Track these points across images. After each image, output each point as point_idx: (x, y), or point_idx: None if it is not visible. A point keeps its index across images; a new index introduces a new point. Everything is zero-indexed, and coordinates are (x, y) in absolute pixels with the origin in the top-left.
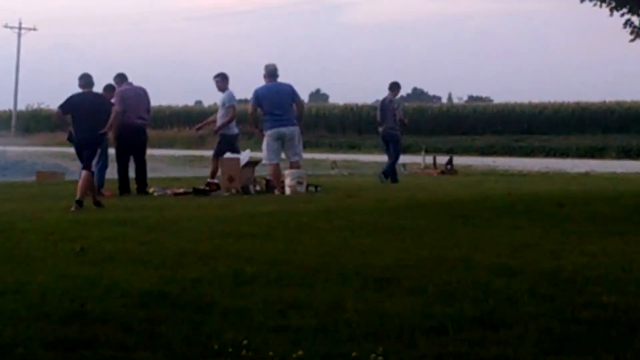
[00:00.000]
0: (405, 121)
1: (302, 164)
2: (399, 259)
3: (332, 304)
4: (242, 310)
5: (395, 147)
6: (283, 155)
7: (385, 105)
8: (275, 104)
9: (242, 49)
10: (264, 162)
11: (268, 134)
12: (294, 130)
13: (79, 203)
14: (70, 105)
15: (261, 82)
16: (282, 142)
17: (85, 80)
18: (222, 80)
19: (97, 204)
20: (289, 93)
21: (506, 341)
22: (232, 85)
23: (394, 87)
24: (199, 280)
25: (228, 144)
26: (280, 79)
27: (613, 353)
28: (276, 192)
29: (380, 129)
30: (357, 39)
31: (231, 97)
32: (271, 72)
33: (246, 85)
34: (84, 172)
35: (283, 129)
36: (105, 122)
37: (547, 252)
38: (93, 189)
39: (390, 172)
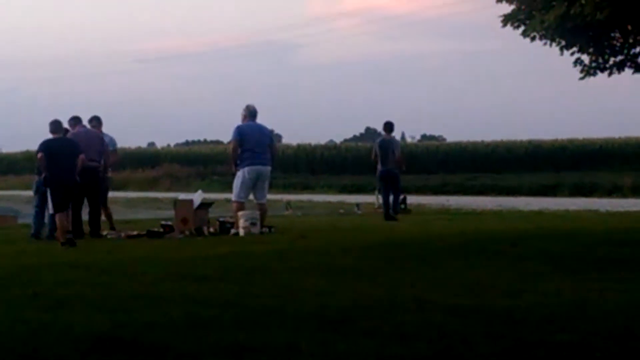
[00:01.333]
0: (403, 167)
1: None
2: (354, 300)
3: (287, 347)
4: (196, 354)
5: (397, 186)
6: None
7: (385, 145)
8: (258, 142)
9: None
10: (233, 199)
11: (246, 170)
12: (269, 171)
13: (70, 242)
14: (49, 149)
15: (212, 121)
16: (256, 181)
17: (56, 125)
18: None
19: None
20: (268, 134)
21: None
22: (182, 128)
23: (390, 127)
24: (153, 324)
25: None
26: (232, 122)
27: None
28: (233, 231)
29: (380, 168)
30: (310, 80)
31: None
32: (252, 112)
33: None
34: (60, 215)
35: (262, 168)
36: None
37: (501, 291)
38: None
39: (398, 208)
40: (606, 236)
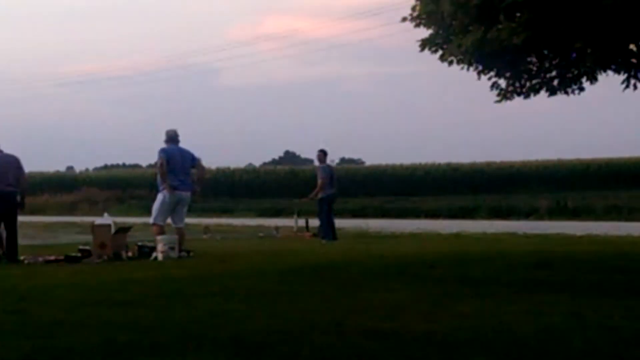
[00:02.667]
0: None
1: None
2: (273, 325)
3: None
4: None
5: (331, 208)
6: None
7: (331, 171)
8: (180, 167)
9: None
10: (152, 221)
11: (167, 194)
12: (189, 196)
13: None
14: None
15: (131, 145)
16: (175, 205)
17: None
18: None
19: None
20: (190, 159)
21: None
22: (100, 152)
23: (326, 154)
24: (71, 350)
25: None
26: (151, 145)
27: None
28: (154, 255)
29: (329, 193)
30: (229, 103)
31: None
32: (172, 137)
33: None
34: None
35: (183, 194)
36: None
37: (419, 314)
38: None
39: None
40: (524, 259)
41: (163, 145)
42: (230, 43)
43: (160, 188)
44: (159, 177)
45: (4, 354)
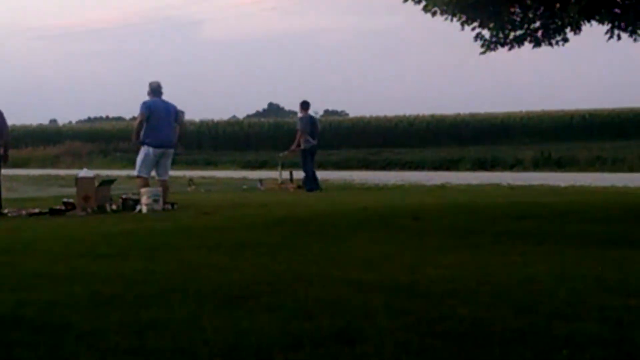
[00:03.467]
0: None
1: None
2: (257, 276)
3: (189, 324)
4: (99, 332)
5: (313, 159)
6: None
7: (314, 122)
8: (163, 120)
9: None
10: (136, 174)
11: (150, 147)
12: (172, 149)
13: None
14: None
15: (114, 98)
16: (159, 158)
17: None
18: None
19: None
20: (174, 113)
21: (364, 356)
22: (84, 104)
23: (309, 105)
24: (55, 303)
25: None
26: (134, 97)
27: None
28: (138, 207)
29: (311, 144)
30: (213, 56)
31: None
32: (155, 89)
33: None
34: None
35: (166, 146)
36: None
37: (403, 265)
38: None
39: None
40: (508, 210)
41: (146, 97)
42: None
43: (144, 140)
44: (136, 130)
45: None
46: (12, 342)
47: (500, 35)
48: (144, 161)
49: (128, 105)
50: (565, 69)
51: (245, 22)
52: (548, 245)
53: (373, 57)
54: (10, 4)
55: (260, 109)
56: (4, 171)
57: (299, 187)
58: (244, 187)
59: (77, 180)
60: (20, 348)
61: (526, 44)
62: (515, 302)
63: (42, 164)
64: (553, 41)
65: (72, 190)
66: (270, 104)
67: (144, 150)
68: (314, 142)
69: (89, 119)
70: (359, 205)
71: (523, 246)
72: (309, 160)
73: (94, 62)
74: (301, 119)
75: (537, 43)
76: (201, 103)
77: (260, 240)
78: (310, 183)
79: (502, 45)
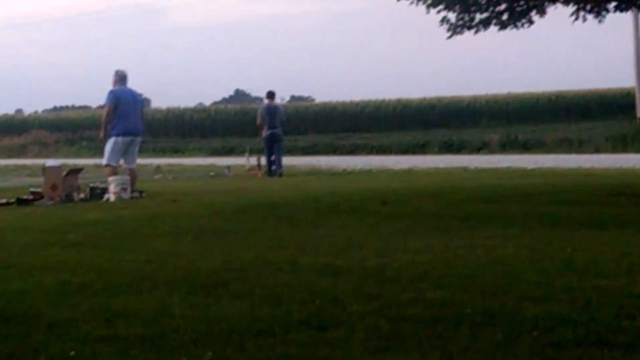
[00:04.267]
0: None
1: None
2: (226, 263)
3: (159, 312)
4: (69, 321)
5: (281, 145)
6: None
7: (272, 110)
8: (131, 108)
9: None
10: (104, 162)
11: (119, 136)
12: (140, 137)
13: None
14: None
15: (80, 87)
16: (127, 146)
17: None
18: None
19: None
20: (140, 101)
21: (334, 341)
22: (49, 93)
23: (273, 95)
24: (24, 293)
25: None
26: (99, 86)
27: (439, 349)
28: (106, 196)
29: (267, 132)
30: (178, 42)
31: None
32: (122, 77)
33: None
34: None
35: (134, 134)
36: None
37: (372, 250)
38: None
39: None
40: (476, 193)
41: (111, 87)
42: None
43: (110, 131)
44: (104, 122)
45: None
46: None
47: (466, 18)
48: (112, 150)
49: (94, 94)
50: (530, 51)
51: (210, 8)
52: (516, 228)
53: (339, 42)
54: None
55: (226, 95)
56: None
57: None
58: (212, 174)
59: (45, 170)
60: None
61: (492, 26)
62: (484, 285)
63: (8, 154)
64: (518, 23)
65: (40, 179)
66: (237, 91)
67: (112, 139)
68: (267, 132)
69: (55, 108)
70: (326, 190)
71: (491, 229)
72: (266, 149)
73: (59, 51)
74: (260, 109)
75: (502, 25)
76: (168, 90)
77: (228, 227)
78: (268, 170)
79: (469, 28)
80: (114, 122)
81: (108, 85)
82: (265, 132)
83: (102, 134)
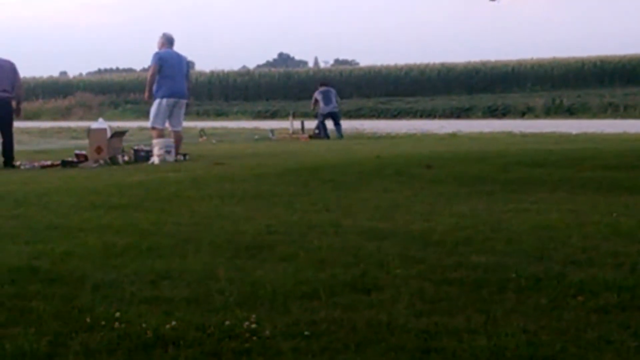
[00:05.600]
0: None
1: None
2: (270, 226)
3: (204, 274)
4: (113, 282)
5: (338, 120)
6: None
7: (326, 93)
8: (176, 70)
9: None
10: (150, 125)
11: (163, 98)
12: (185, 100)
13: None
14: None
15: (124, 49)
16: (172, 108)
17: None
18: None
19: None
20: (185, 64)
21: (379, 304)
22: (94, 56)
23: (326, 84)
24: (69, 254)
25: None
26: (143, 48)
27: (484, 313)
28: (152, 159)
29: (325, 108)
30: (222, 6)
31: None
32: (169, 40)
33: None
34: None
35: (179, 96)
36: None
37: (416, 214)
38: None
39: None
40: (520, 158)
41: (156, 49)
42: None
43: (155, 93)
44: (149, 82)
45: (3, 259)
46: (27, 294)
47: None
48: (157, 112)
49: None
50: (576, 15)
51: None
52: (561, 192)
53: (383, 5)
54: None
55: (270, 58)
56: (16, 124)
57: (310, 137)
58: (256, 137)
59: (90, 132)
60: (35, 300)
61: None
62: (529, 249)
63: (53, 117)
64: None
65: (84, 142)
66: (281, 54)
67: (157, 101)
68: (328, 108)
69: (99, 71)
70: (371, 154)
71: (536, 193)
72: (323, 119)
73: (103, 13)
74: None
75: None
76: (212, 54)
77: (272, 190)
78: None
79: None
80: (159, 84)
81: (152, 49)
82: (324, 108)
83: (147, 95)
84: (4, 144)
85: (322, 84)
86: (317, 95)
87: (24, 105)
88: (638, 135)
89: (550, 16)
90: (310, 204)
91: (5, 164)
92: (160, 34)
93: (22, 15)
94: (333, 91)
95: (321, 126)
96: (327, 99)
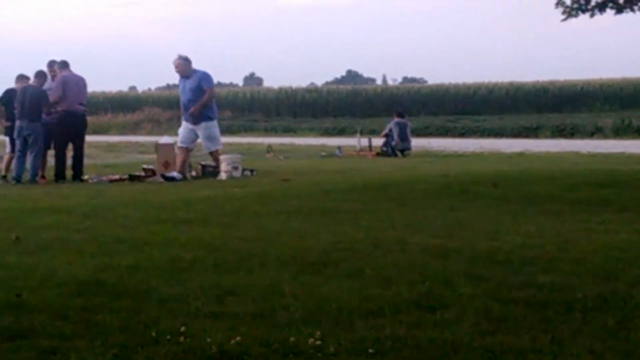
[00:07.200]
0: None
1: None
2: (336, 243)
3: (269, 289)
4: (179, 296)
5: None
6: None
7: (402, 125)
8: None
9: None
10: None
11: (216, 119)
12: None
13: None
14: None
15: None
16: None
17: (22, 77)
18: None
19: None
20: None
21: (443, 323)
22: (163, 71)
23: (402, 113)
24: (136, 268)
25: None
26: (212, 65)
27: (550, 333)
28: (220, 176)
29: (400, 146)
30: (292, 22)
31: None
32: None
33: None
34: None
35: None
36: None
37: (482, 232)
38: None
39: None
40: (588, 177)
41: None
42: None
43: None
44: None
45: (70, 271)
46: (93, 307)
47: (582, 1)
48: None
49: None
50: None
51: None
52: (629, 213)
53: (452, 24)
54: None
55: (338, 75)
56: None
57: (377, 154)
58: (323, 154)
59: (158, 147)
60: (102, 313)
61: (608, 10)
62: (596, 270)
63: (121, 131)
64: (635, 7)
65: (152, 156)
66: (349, 71)
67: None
68: (403, 144)
69: (168, 86)
70: (437, 172)
71: (603, 214)
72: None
73: (171, 29)
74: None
75: (619, 9)
76: (280, 70)
77: (339, 206)
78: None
79: (584, 11)
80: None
81: (220, 67)
82: (399, 144)
83: (197, 111)
84: (74, 157)
85: (397, 114)
86: (393, 126)
87: (92, 120)
88: None
89: (620, 36)
90: (376, 221)
91: (73, 177)
92: (183, 57)
93: (94, 33)
94: (409, 125)
95: (389, 144)
96: (403, 135)
